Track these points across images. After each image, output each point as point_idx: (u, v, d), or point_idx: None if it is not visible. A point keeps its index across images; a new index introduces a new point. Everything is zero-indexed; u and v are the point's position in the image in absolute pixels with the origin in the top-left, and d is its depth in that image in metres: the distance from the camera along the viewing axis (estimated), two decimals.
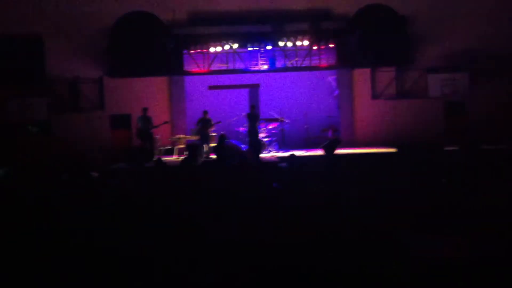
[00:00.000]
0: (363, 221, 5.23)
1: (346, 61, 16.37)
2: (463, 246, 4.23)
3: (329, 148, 14.38)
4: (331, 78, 17.61)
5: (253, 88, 17.82)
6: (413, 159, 9.46)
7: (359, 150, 15.47)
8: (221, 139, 13.93)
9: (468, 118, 16.00)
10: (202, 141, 15.06)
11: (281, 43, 16.10)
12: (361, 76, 17.11)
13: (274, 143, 15.91)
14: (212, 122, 15.24)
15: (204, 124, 15.22)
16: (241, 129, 15.83)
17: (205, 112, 15.36)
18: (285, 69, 16.73)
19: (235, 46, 16.11)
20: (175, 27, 16.27)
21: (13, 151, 14.44)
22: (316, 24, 16.34)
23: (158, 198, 6.50)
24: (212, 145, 15.74)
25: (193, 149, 14.41)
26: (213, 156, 14.38)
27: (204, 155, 14.76)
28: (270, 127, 16.05)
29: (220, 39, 16.10)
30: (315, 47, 16.31)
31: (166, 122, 15.64)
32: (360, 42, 16.02)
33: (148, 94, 16.64)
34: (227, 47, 16.07)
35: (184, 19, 16.49)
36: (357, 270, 3.90)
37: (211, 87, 17.31)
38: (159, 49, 16.00)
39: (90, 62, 15.98)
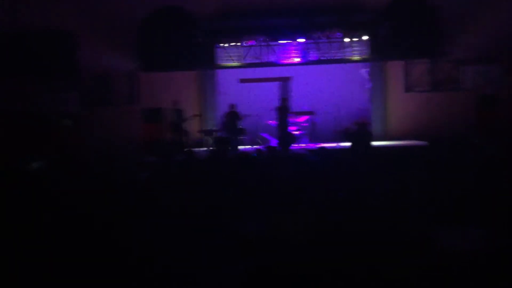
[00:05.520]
0: (389, 216, 5.18)
1: (378, 53, 16.20)
2: (484, 238, 4.17)
3: (360, 141, 14.25)
4: (363, 70, 17.45)
5: (285, 81, 17.78)
6: (443, 152, 9.30)
7: (390, 143, 15.32)
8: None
9: (500, 111, 15.59)
10: (231, 134, 15.14)
11: (313, 36, 16.00)
12: (394, 69, 16.90)
13: (304, 136, 15.87)
14: (240, 115, 15.29)
15: (232, 117, 15.29)
16: (271, 122, 15.84)
17: (233, 106, 15.43)
18: (317, 62, 16.63)
19: (267, 39, 16.09)
20: (207, 21, 16.34)
21: (46, 144, 14.74)
22: (348, 16, 16.20)
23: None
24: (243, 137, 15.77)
25: (222, 142, 14.50)
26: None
27: (233, 148, 14.82)
28: (300, 120, 16.01)
29: (252, 32, 16.12)
30: (347, 40, 16.18)
31: (196, 115, 15.78)
32: (392, 34, 15.82)
33: (179, 88, 16.81)
34: (259, 40, 16.07)
35: (216, 12, 16.54)
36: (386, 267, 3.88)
37: (242, 80, 17.35)
38: (191, 43, 16.15)
39: (121, 56, 16.20)
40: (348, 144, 13.67)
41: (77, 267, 4.11)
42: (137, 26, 16.25)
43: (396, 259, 3.93)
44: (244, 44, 16.19)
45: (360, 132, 13.22)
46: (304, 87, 17.47)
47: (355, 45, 16.33)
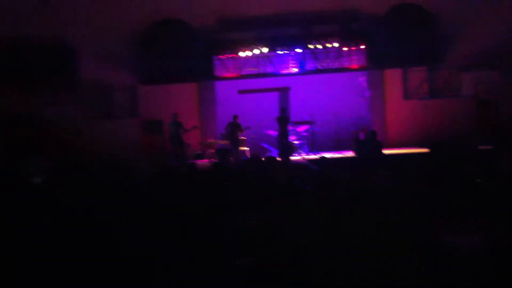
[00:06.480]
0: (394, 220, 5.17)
1: (376, 62, 16.21)
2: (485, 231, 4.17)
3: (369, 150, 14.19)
4: (361, 79, 17.49)
5: (283, 92, 17.82)
6: (446, 159, 9.29)
7: (391, 151, 15.31)
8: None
9: (502, 116, 15.63)
10: (232, 145, 15.16)
11: (310, 46, 16.03)
12: (393, 77, 16.93)
13: (304, 146, 15.88)
14: (242, 127, 15.33)
15: (233, 128, 15.31)
16: (272, 132, 15.86)
17: (235, 117, 15.47)
18: (315, 71, 16.63)
19: (265, 50, 16.13)
20: (205, 33, 16.40)
21: (48, 157, 14.67)
22: (346, 25, 16.27)
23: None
24: (243, 148, 15.77)
25: (223, 153, 14.47)
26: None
27: (234, 159, 14.80)
28: (300, 129, 16.03)
29: (249, 43, 16.15)
30: (345, 49, 16.21)
31: (194, 127, 15.77)
32: (390, 42, 15.87)
33: (179, 100, 16.81)
34: (256, 51, 16.09)
35: (214, 24, 16.60)
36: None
37: (240, 91, 17.38)
38: (190, 55, 16.18)
39: (122, 69, 16.21)
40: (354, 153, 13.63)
41: (77, 267, 4.10)
42: (138, 39, 16.27)
43: (397, 259, 3.92)
44: (242, 55, 16.20)
45: (369, 141, 13.10)
46: (303, 96, 17.50)
47: (352, 54, 16.35)
